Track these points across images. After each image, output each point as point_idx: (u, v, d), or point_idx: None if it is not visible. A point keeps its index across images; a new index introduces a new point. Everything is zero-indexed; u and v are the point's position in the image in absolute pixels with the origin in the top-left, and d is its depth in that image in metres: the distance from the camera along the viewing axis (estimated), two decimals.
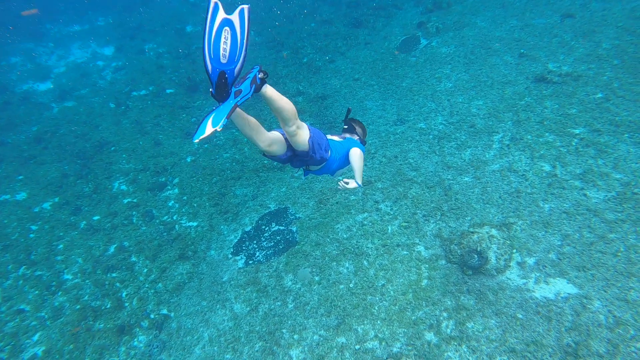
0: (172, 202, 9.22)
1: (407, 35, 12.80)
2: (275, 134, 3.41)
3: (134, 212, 9.15)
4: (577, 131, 7.58)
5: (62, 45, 18.47)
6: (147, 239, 8.39)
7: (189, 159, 10.41)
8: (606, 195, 6.31)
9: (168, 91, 13.55)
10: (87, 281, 7.87)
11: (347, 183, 3.45)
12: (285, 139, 3.46)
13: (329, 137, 3.93)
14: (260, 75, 2.89)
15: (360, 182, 3.57)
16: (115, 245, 8.49)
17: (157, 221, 8.79)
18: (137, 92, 13.91)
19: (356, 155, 3.70)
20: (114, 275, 7.85)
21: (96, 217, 9.28)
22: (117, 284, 7.65)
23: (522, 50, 10.12)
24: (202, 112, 12.10)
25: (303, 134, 3.35)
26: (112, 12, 21.12)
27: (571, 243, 5.79)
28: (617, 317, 4.83)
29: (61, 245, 8.79)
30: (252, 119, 3.26)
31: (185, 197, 9.23)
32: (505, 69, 9.78)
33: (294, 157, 3.59)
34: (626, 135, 7.22)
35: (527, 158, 7.39)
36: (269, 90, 2.97)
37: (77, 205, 9.70)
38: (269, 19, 17.14)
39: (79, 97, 14.41)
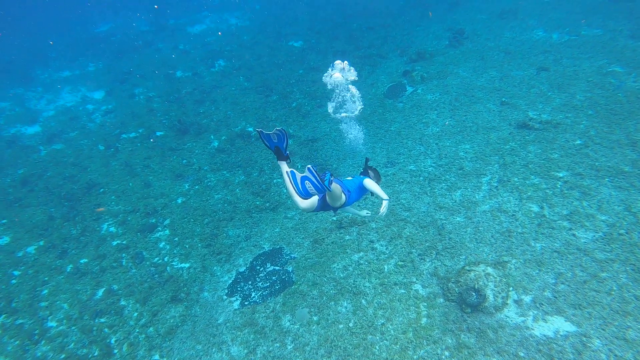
0: (163, 243, 9.08)
1: (394, 83, 13.42)
2: (314, 200, 4.57)
3: (124, 254, 8.96)
4: (560, 174, 7.94)
5: (52, 90, 18.63)
6: (138, 282, 8.17)
7: (179, 200, 10.37)
8: (594, 236, 6.55)
9: (158, 133, 13.67)
10: (73, 328, 7.54)
11: (382, 208, 4.48)
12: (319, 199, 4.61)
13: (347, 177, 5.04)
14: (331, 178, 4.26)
15: (385, 197, 4.51)
16: (104, 289, 8.23)
17: (148, 263, 8.61)
18: (126, 135, 13.98)
19: (369, 183, 4.66)
20: (102, 320, 7.54)
21: (83, 260, 9.03)
22: (106, 330, 7.34)
23: (503, 99, 10.73)
24: (192, 154, 12.19)
25: (343, 201, 4.64)
26: (102, 59, 21.58)
27: (565, 281, 5.92)
28: (618, 357, 4.89)
29: (45, 291, 8.45)
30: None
31: (176, 239, 9.12)
32: (488, 115, 10.30)
33: (324, 207, 4.70)
34: (607, 179, 7.60)
35: (516, 199, 7.66)
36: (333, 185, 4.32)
37: (63, 249, 9.44)
38: (258, 65, 17.79)
39: (67, 139, 14.39)
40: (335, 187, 4.40)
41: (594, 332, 5.17)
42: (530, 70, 11.98)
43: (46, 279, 8.71)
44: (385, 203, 4.47)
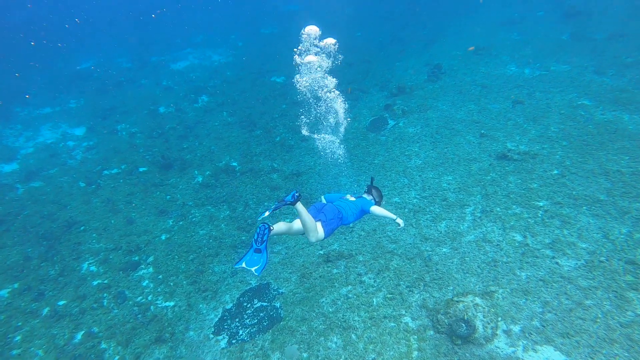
0: (147, 281, 8.84)
1: (375, 116, 13.75)
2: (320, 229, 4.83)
3: (105, 295, 8.67)
4: (541, 204, 8.17)
5: (32, 127, 18.39)
6: (120, 323, 7.88)
7: (163, 237, 10.19)
8: (576, 263, 6.69)
9: (141, 169, 13.55)
10: None
11: (399, 224, 5.09)
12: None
13: (348, 197, 5.44)
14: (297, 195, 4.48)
15: (394, 216, 5.10)
16: (83, 332, 7.90)
17: (131, 302, 8.34)
18: (108, 171, 13.81)
19: (376, 209, 5.19)
20: None
21: (62, 302, 8.69)
22: None
23: (482, 131, 11.10)
24: (176, 189, 12.10)
25: (320, 237, 4.80)
26: (84, 95, 21.53)
27: (552, 310, 5.99)
28: None
29: (18, 337, 8.02)
30: (298, 225, 4.83)
31: (160, 276, 8.90)
32: (469, 147, 10.61)
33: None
34: (584, 207, 7.85)
35: (499, 229, 7.81)
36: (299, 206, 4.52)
37: (40, 291, 9.08)
38: (241, 100, 18.02)
39: (46, 177, 14.10)
40: (306, 219, 4.62)
41: None
42: (506, 103, 12.49)
43: (19, 324, 8.30)
44: (399, 221, 5.09)
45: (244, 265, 4.37)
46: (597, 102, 11.45)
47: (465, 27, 21.78)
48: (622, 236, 6.96)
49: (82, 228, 10.92)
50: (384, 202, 5.85)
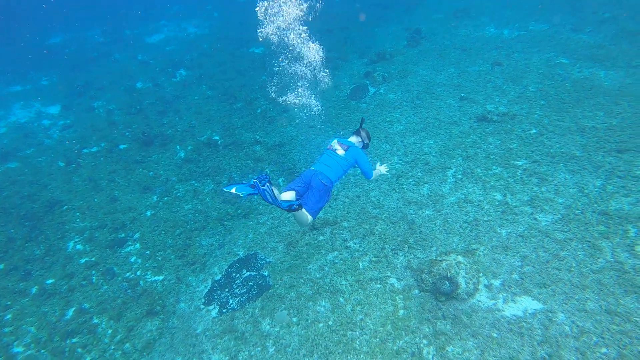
0: (134, 257, 8.88)
1: (356, 84, 13.67)
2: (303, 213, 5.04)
3: (93, 272, 8.69)
4: (519, 163, 8.35)
5: (2, 106, 17.83)
6: (110, 298, 7.96)
7: (148, 213, 10.17)
8: (553, 218, 6.93)
9: (121, 147, 13.35)
10: (42, 351, 7.24)
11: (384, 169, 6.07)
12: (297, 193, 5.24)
13: (338, 150, 5.64)
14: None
15: (385, 171, 6.14)
16: (74, 308, 7.96)
17: (120, 279, 8.40)
18: (88, 150, 13.57)
19: (375, 173, 5.96)
20: (74, 340, 7.29)
21: (50, 281, 8.70)
22: (79, 350, 7.10)
23: (462, 94, 11.16)
24: (158, 165, 11.98)
25: (309, 222, 5.19)
26: (56, 72, 20.82)
27: (530, 263, 6.24)
28: (580, 327, 5.20)
29: (9, 316, 8.06)
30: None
31: (148, 252, 8.94)
32: (449, 111, 10.69)
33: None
34: (561, 164, 8.06)
35: (480, 189, 8.00)
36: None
37: (26, 270, 9.06)
38: (220, 73, 17.67)
39: (23, 157, 13.79)
40: (300, 213, 4.97)
41: (558, 307, 5.48)
42: (485, 65, 12.53)
43: (9, 303, 8.31)
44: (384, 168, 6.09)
45: (233, 190, 4.61)
46: (574, 60, 11.57)
47: None
48: (595, 189, 7.20)
49: (64, 207, 10.81)
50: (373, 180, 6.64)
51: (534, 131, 9.21)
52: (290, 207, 4.69)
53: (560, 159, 8.21)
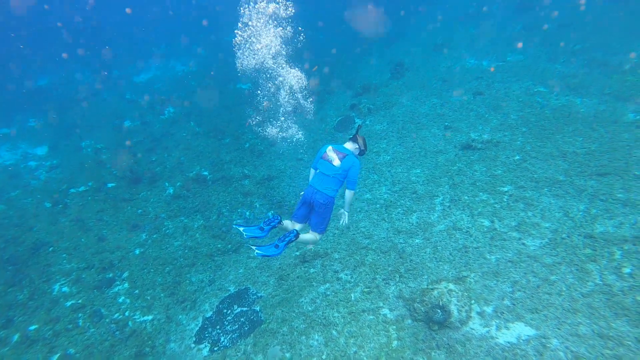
0: (123, 297, 8.69)
1: (342, 116, 13.94)
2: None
3: (80, 315, 8.46)
4: (505, 189, 8.50)
5: None
6: (97, 341, 7.72)
7: (137, 251, 10.03)
8: (541, 242, 7.01)
9: (109, 185, 13.29)
10: None
11: (343, 220, 5.78)
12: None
13: (334, 160, 5.56)
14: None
15: (348, 210, 5.79)
16: (58, 354, 7.67)
17: (107, 320, 8.18)
18: (75, 189, 13.47)
19: (350, 195, 5.62)
20: None
21: (33, 327, 8.42)
22: None
23: (446, 124, 11.44)
24: (147, 203, 11.91)
25: (318, 240, 5.80)
26: (44, 113, 20.86)
27: (521, 288, 6.26)
28: (574, 352, 5.19)
29: None
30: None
31: (137, 291, 8.77)
32: (434, 140, 10.92)
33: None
34: (546, 189, 8.22)
35: (468, 216, 8.09)
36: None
37: (7, 317, 8.76)
38: (208, 109, 17.87)
39: (8, 200, 13.61)
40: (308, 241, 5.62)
41: (551, 333, 5.47)
42: (467, 95, 12.90)
43: None
44: (345, 217, 5.81)
45: (241, 229, 5.27)
46: (551, 89, 12.00)
47: (424, 23, 22.33)
48: (580, 213, 7.34)
49: (50, 249, 10.62)
50: (356, 192, 6.53)
51: (517, 157, 9.42)
52: (288, 243, 5.17)
53: (544, 183, 8.38)
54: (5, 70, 25.85)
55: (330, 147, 5.68)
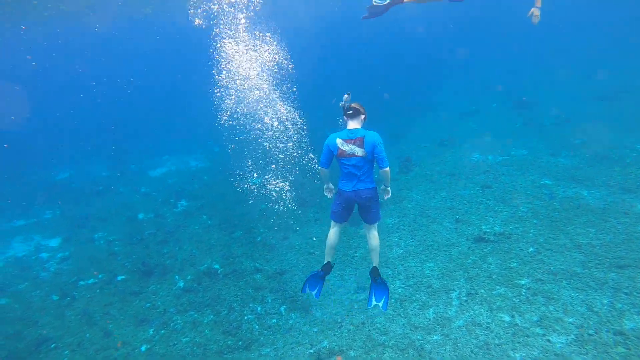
0: None
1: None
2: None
3: None
4: (522, 282, 8.34)
5: (2, 241, 17.95)
6: None
7: (143, 348, 9.63)
8: (567, 339, 6.69)
9: (119, 278, 13.18)
10: None
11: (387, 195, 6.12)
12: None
13: (356, 152, 5.45)
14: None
15: (389, 186, 6.07)
16: None
17: None
18: (84, 282, 13.35)
19: (386, 173, 5.70)
20: None
21: None
22: None
23: (457, 217, 11.58)
24: (156, 296, 11.70)
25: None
26: (60, 205, 21.44)
27: None
28: None
29: None
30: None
31: None
32: (446, 233, 10.97)
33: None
34: (564, 282, 8.05)
35: (486, 311, 7.83)
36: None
37: None
38: (220, 203, 18.30)
39: (15, 292, 13.43)
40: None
41: None
42: (475, 189, 13.22)
43: None
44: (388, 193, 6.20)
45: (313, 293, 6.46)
46: (557, 181, 12.30)
47: (428, 120, 23.63)
48: (605, 307, 7.09)
49: (52, 345, 10.22)
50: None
51: (531, 249, 9.37)
52: (374, 276, 5.99)
53: (562, 276, 8.22)
54: (25, 164, 27.26)
55: (339, 140, 5.33)
